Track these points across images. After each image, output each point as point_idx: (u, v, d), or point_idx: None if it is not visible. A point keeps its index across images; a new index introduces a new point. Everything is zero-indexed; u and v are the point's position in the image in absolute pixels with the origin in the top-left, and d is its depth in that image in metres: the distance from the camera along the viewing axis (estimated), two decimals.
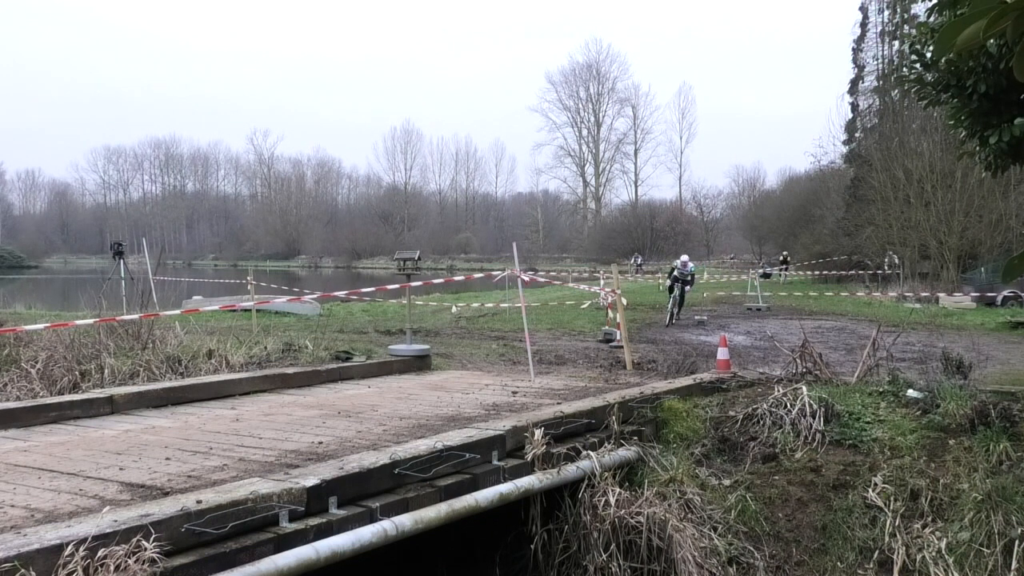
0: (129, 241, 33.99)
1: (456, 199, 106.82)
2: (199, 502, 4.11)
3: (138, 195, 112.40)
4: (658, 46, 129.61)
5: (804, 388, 7.46)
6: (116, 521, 3.84)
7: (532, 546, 6.15)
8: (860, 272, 31.94)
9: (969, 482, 6.22)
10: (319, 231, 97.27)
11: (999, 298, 22.84)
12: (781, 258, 43.88)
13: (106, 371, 8.64)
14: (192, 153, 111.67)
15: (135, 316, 9.88)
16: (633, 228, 73.79)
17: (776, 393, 7.51)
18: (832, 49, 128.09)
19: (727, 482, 6.75)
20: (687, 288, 18.75)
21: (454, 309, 19.70)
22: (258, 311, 14.75)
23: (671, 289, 18.54)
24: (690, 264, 18.84)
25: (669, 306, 18.33)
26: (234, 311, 14.71)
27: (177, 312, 11.73)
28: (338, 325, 15.57)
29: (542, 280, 21.05)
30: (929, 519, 6.14)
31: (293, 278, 58.10)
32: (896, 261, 30.28)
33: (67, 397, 7.56)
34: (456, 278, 31.30)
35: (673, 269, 18.74)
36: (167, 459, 5.58)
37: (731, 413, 7.54)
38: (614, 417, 6.97)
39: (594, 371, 10.20)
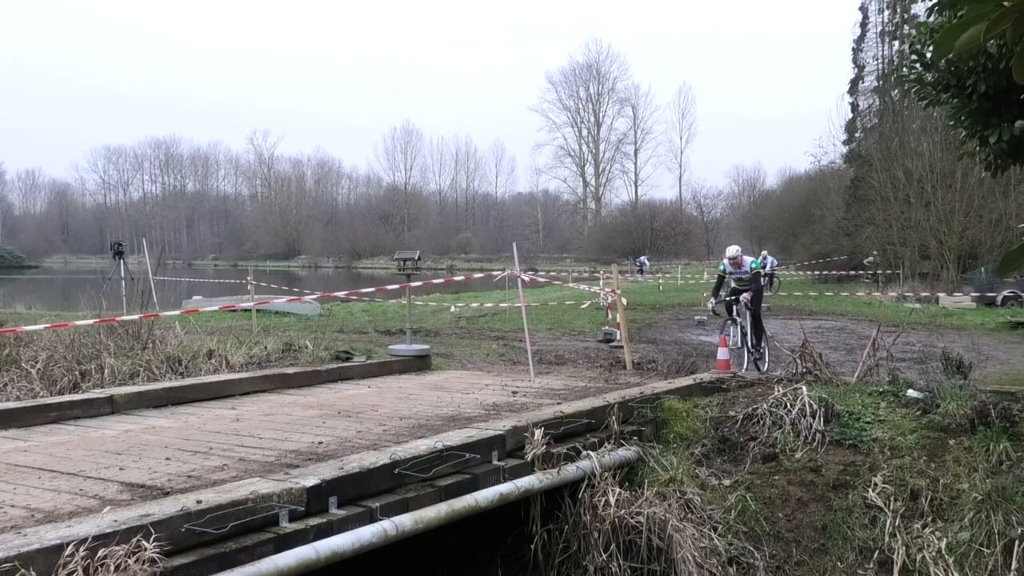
0: (129, 241, 33.96)
1: (456, 199, 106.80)
2: (199, 502, 4.11)
3: (138, 195, 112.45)
4: (658, 46, 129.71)
5: (804, 388, 7.46)
6: (116, 521, 3.84)
7: (532, 546, 6.15)
8: (859, 272, 31.94)
9: (969, 482, 6.22)
10: (319, 231, 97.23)
11: (999, 298, 22.85)
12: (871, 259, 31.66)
13: (106, 371, 8.64)
14: (192, 153, 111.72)
15: (135, 316, 9.88)
16: (633, 228, 73.78)
17: (776, 393, 7.51)
18: (832, 49, 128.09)
19: (727, 482, 6.75)
20: (751, 299, 10.92)
21: (453, 309, 19.70)
22: (258, 311, 14.75)
23: (729, 308, 11.01)
24: (749, 259, 11.32)
25: (734, 336, 10.70)
26: (234, 311, 14.71)
27: (177, 312, 11.73)
28: (338, 325, 15.57)
29: (542, 280, 21.05)
30: (929, 519, 6.14)
31: (293, 278, 58.10)
32: (874, 260, 30.27)
33: (67, 397, 7.56)
34: (456, 278, 31.30)
35: (721, 270, 11.44)
36: (167, 459, 5.58)
37: (731, 413, 7.54)
38: (614, 417, 6.97)
39: (594, 371, 10.20)
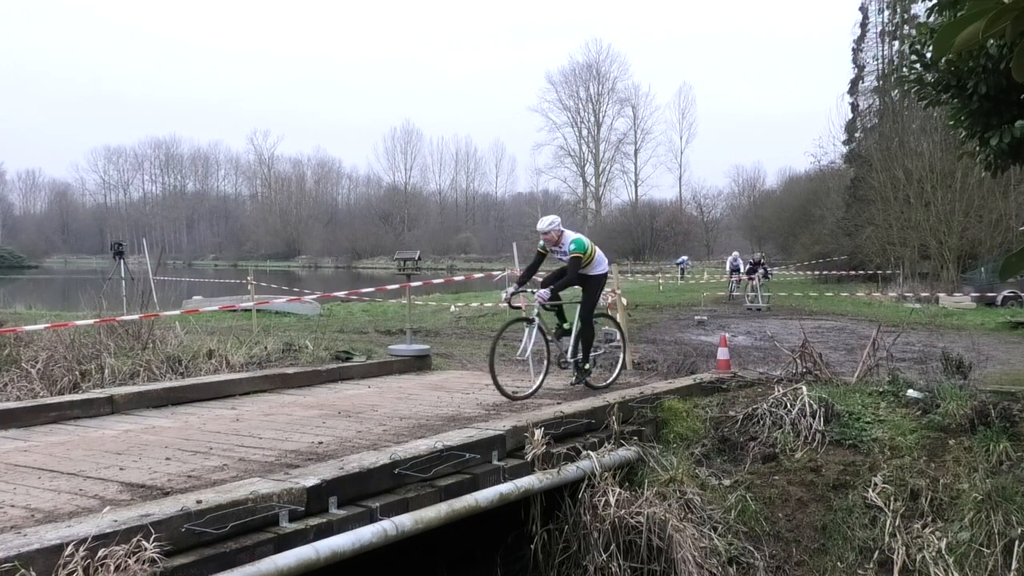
0: (129, 241, 33.98)
1: (456, 199, 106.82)
2: (199, 502, 4.11)
3: (138, 195, 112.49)
4: (658, 46, 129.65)
5: (804, 388, 7.46)
6: (116, 521, 3.84)
7: (532, 546, 6.15)
8: (861, 272, 31.95)
9: (969, 482, 6.22)
10: (319, 231, 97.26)
11: (999, 298, 22.83)
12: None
13: (106, 371, 8.64)
14: (192, 153, 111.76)
15: (135, 316, 9.89)
16: (633, 228, 73.79)
17: (776, 393, 7.51)
18: (832, 49, 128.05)
19: (727, 482, 6.75)
20: (548, 296, 8.02)
21: (453, 309, 19.69)
22: (258, 311, 14.75)
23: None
24: (572, 235, 8.23)
25: (524, 343, 7.95)
26: (234, 311, 14.71)
27: (177, 312, 11.75)
28: (338, 325, 15.57)
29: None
30: (929, 519, 6.14)
31: (293, 278, 58.08)
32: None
33: (67, 397, 7.56)
34: (456, 278, 31.29)
35: (540, 247, 8.42)
36: (167, 459, 5.59)
37: (731, 413, 7.54)
38: (614, 417, 6.97)
39: (594, 371, 10.19)
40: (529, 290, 8.25)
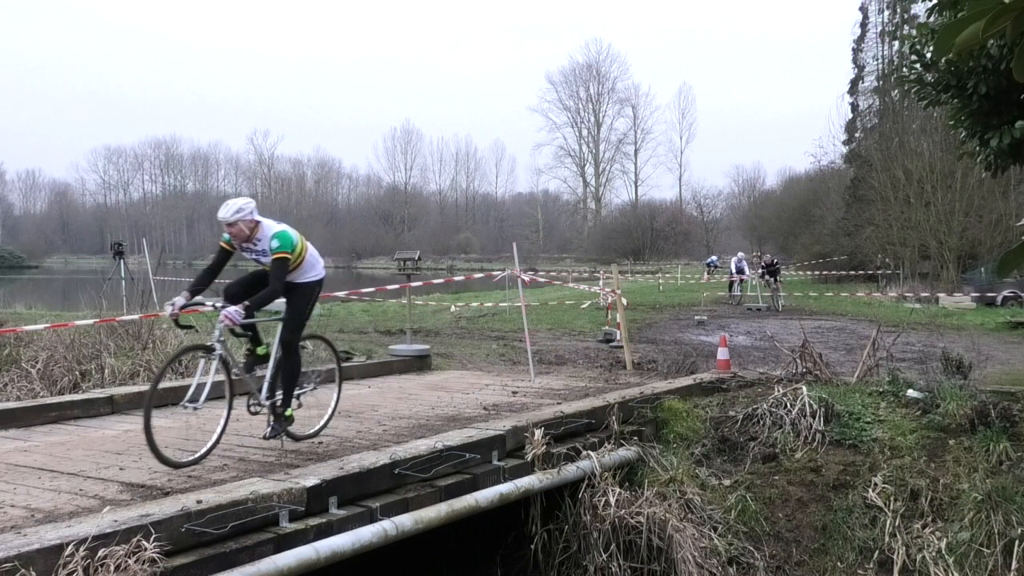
0: (129, 241, 33.97)
1: (456, 199, 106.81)
2: (199, 502, 4.11)
3: (138, 195, 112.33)
4: (658, 46, 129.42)
5: (804, 388, 7.46)
6: (116, 521, 3.85)
7: (532, 546, 6.15)
8: (861, 272, 31.96)
9: (969, 482, 6.22)
10: (319, 231, 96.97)
11: (999, 298, 22.84)
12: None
13: (106, 371, 8.65)
14: (192, 153, 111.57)
15: (135, 316, 9.88)
16: (633, 228, 73.78)
17: (776, 393, 7.51)
18: (832, 49, 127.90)
19: (727, 482, 6.76)
20: (241, 312, 5.67)
21: (453, 309, 19.69)
22: None
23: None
24: (274, 228, 5.97)
25: (199, 379, 5.69)
26: None
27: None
28: (338, 325, 15.58)
29: (542, 280, 21.02)
30: (929, 519, 6.14)
31: None
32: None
33: (67, 397, 7.57)
34: (456, 278, 31.28)
35: (225, 241, 6.13)
36: None
37: (731, 413, 7.54)
38: (614, 417, 6.97)
39: (594, 371, 10.21)
40: (209, 303, 5.96)
